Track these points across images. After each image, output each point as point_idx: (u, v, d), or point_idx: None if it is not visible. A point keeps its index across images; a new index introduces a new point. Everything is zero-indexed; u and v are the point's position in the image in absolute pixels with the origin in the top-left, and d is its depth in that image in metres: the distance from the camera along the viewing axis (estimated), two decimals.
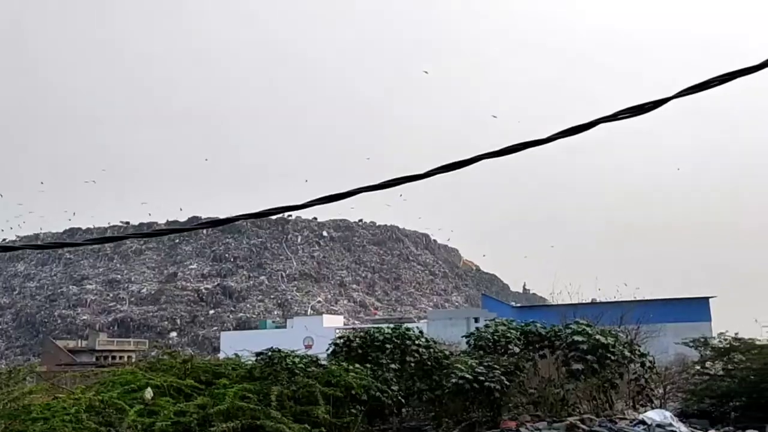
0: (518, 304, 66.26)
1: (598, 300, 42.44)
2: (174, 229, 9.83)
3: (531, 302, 75.86)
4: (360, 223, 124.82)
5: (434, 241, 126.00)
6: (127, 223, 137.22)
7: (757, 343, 21.07)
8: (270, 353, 15.56)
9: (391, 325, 19.28)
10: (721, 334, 23.54)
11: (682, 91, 4.77)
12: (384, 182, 5.80)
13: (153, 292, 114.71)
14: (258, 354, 16.08)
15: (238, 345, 22.58)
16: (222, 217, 7.14)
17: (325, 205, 6.05)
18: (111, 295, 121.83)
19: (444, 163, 5.87)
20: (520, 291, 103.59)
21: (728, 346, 21.98)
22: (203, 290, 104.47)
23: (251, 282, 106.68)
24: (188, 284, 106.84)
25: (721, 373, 21.74)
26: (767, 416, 17.89)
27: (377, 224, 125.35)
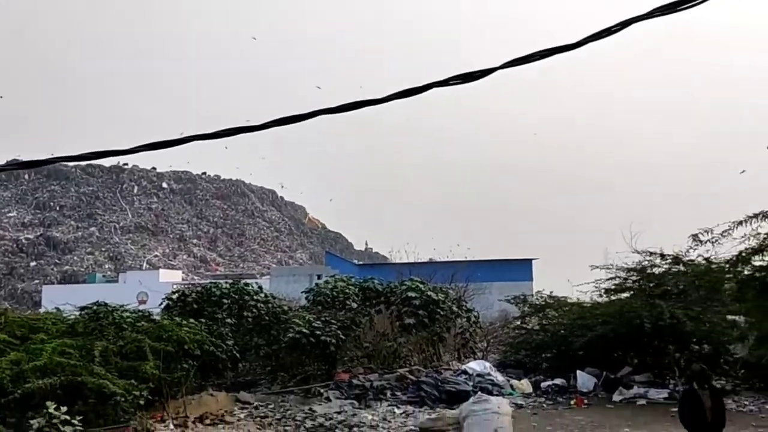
0: (361, 262, 68.03)
1: (435, 260, 44.72)
2: None
3: (373, 260, 77.98)
4: (203, 176, 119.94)
5: (281, 197, 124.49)
6: None
7: (569, 301, 23.28)
8: (96, 307, 14.73)
9: (230, 281, 19.02)
10: (539, 292, 25.87)
11: (506, 63, 5.08)
12: (218, 131, 5.62)
13: None
14: (83, 308, 15.18)
15: (62, 299, 21.13)
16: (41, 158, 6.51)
17: (162, 154, 5.75)
18: None
19: (282, 116, 5.81)
20: (363, 249, 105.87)
21: (543, 303, 24.19)
22: (23, 240, 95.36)
23: (80, 233, 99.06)
24: (5, 233, 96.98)
25: (536, 327, 23.93)
26: (573, 366, 20.05)
27: (222, 178, 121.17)
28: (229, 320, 16.54)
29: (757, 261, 7.89)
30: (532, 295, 25.43)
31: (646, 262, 19.32)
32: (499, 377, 18.79)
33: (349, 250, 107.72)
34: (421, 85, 5.43)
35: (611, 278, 20.40)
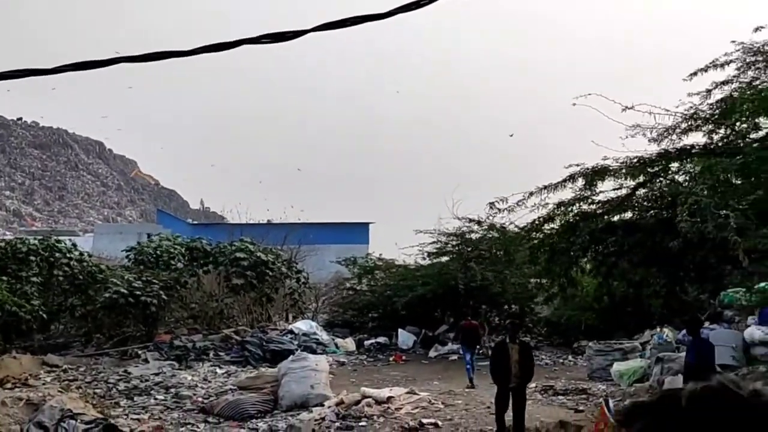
0: (195, 222, 65.62)
1: (272, 221, 44.28)
2: None
3: (210, 220, 75.42)
4: (19, 121, 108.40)
5: (109, 150, 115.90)
6: None
7: (396, 263, 24.29)
8: None
9: (39, 237, 17.60)
10: (368, 255, 26.74)
11: (318, 27, 5.12)
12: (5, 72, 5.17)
13: None
14: None
15: None
16: None
17: None
18: None
19: (76, 61, 5.43)
20: (200, 208, 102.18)
21: (373, 265, 25.10)
22: None
23: None
24: None
25: (365, 288, 24.80)
26: (396, 325, 21.10)
27: (41, 125, 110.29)
28: (35, 279, 15.34)
29: (546, 229, 8.74)
30: (362, 257, 26.15)
31: (465, 228, 20.64)
32: (324, 336, 19.29)
33: (185, 208, 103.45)
34: (231, 40, 5.36)
35: (433, 242, 21.60)
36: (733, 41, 7.87)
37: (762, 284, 13.78)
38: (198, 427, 9.80)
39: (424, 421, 9.92)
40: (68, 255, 16.56)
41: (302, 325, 19.09)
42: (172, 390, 12.59)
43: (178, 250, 19.47)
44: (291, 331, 18.57)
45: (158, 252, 18.91)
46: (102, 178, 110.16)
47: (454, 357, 18.01)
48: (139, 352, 15.75)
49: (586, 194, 8.16)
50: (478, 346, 14.89)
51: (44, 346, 16.01)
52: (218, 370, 14.78)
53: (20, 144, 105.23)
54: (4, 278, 14.53)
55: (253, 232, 26.33)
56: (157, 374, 13.94)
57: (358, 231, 48.07)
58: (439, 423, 9.89)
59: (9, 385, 12.46)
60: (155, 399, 11.80)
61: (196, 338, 17.07)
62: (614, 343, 16.56)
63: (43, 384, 12.89)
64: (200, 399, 11.64)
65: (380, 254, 26.36)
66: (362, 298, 24.03)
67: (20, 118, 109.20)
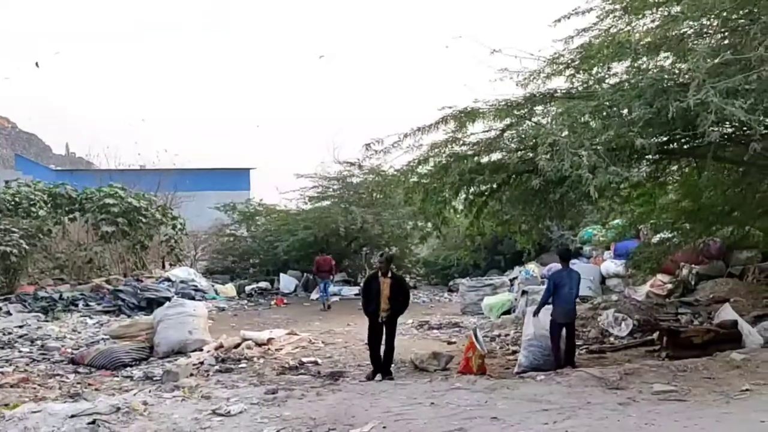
0: (59, 168, 61.24)
1: (145, 167, 42.07)
2: None
3: (76, 166, 70.61)
4: None
5: None
6: None
7: (277, 208, 24.06)
8: None
9: None
10: (248, 200, 26.27)
11: None
12: None
13: None
14: None
15: None
16: None
17: None
18: None
19: None
20: (65, 154, 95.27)
21: (253, 211, 24.72)
22: None
23: None
24: None
25: (245, 234, 24.45)
26: (279, 270, 21.08)
27: None
28: None
29: (420, 170, 8.95)
30: (244, 203, 25.68)
31: (346, 172, 20.75)
32: (203, 283, 18.97)
33: (47, 153, 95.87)
34: None
35: (314, 187, 21.58)
36: None
37: (616, 221, 15.05)
38: (68, 378, 9.39)
39: (304, 359, 10.10)
40: None
41: (180, 273, 18.65)
42: (38, 342, 11.93)
43: (40, 196, 18.17)
44: (168, 279, 18.11)
45: (17, 199, 17.55)
46: None
47: (336, 299, 18.35)
48: (0, 304, 14.74)
49: (457, 136, 8.40)
50: (331, 276, 17.83)
51: None
52: (89, 321, 14.17)
53: None
54: None
55: (124, 179, 25.01)
56: (21, 326, 13.15)
57: (238, 177, 46.94)
58: (319, 361, 10.12)
59: None
60: (20, 351, 11.15)
61: (63, 288, 16.21)
62: (485, 278, 17.56)
63: None
64: (69, 350, 11.13)
65: (261, 200, 25.96)
66: (242, 244, 23.74)
67: None
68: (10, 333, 12.59)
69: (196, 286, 18.08)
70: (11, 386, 8.73)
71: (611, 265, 16.40)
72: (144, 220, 19.08)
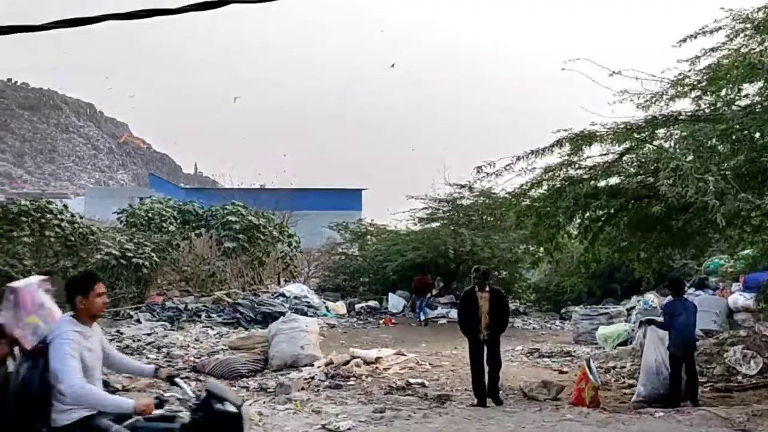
0: (188, 186, 65.53)
1: (268, 186, 44.19)
2: None
3: (203, 185, 75.24)
4: (9, 83, 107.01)
5: (100, 112, 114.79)
6: None
7: (387, 228, 24.48)
8: None
9: (30, 199, 17.60)
10: (360, 220, 26.90)
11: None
12: None
13: None
14: None
15: None
16: None
17: None
18: None
19: (65, 18, 5.42)
20: (193, 173, 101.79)
21: (364, 231, 25.30)
22: None
23: None
24: None
25: (356, 253, 25.04)
26: (387, 289, 21.36)
27: (31, 86, 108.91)
28: (27, 239, 15.38)
29: (533, 194, 8.82)
30: (354, 223, 26.35)
31: (456, 194, 20.76)
32: (315, 299, 19.53)
33: (177, 173, 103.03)
34: None
35: (424, 208, 21.75)
36: (722, 8, 7.88)
37: (746, 251, 14.03)
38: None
39: (411, 380, 10.13)
40: (59, 216, 16.55)
41: (293, 289, 19.31)
42: (164, 349, 12.75)
43: (170, 212, 19.53)
44: (282, 294, 18.79)
45: (150, 214, 18.96)
46: (93, 141, 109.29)
47: (443, 321, 18.31)
48: (132, 312, 15.91)
49: (572, 159, 8.21)
50: (429, 295, 18.77)
51: None
52: (210, 331, 14.96)
53: (10, 105, 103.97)
54: None
55: (245, 197, 26.37)
56: (149, 334, 14.11)
57: (351, 197, 48.16)
58: (426, 383, 10.11)
59: None
60: (147, 358, 11.95)
61: (188, 300, 17.25)
62: (600, 307, 16.88)
63: None
64: (192, 358, 11.81)
65: (372, 220, 26.54)
66: (353, 263, 24.28)
67: (10, 79, 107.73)
68: (139, 340, 13.55)
69: (309, 302, 18.63)
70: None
71: (740, 298, 15.24)
72: (262, 237, 19.98)
